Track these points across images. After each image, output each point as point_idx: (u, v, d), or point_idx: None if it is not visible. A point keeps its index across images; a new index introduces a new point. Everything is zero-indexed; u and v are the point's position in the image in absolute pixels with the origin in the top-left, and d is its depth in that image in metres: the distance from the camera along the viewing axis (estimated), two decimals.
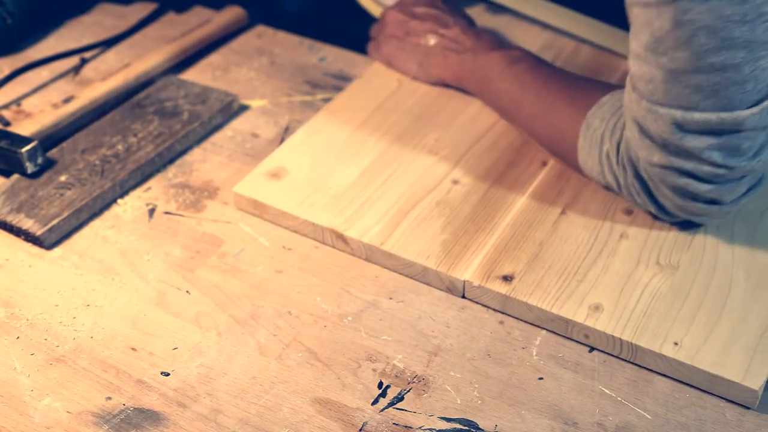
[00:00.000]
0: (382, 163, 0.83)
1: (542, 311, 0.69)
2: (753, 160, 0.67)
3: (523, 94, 0.82)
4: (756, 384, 0.63)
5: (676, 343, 0.66)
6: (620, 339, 0.67)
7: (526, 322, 0.71)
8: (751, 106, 0.64)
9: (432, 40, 0.91)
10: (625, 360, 0.68)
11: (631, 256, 0.73)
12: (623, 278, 0.71)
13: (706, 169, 0.67)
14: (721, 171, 0.67)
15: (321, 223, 0.77)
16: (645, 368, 0.67)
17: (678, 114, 0.65)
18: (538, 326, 0.70)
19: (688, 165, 0.67)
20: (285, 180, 0.82)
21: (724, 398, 0.65)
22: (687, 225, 0.75)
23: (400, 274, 0.75)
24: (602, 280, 0.71)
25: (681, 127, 0.66)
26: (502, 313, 0.72)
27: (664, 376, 0.67)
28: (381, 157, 0.84)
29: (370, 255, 0.76)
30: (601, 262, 0.73)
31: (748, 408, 0.64)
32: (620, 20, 0.98)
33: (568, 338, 0.70)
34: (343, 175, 0.82)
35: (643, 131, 0.68)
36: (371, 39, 0.98)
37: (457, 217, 0.77)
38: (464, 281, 0.72)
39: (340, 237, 0.77)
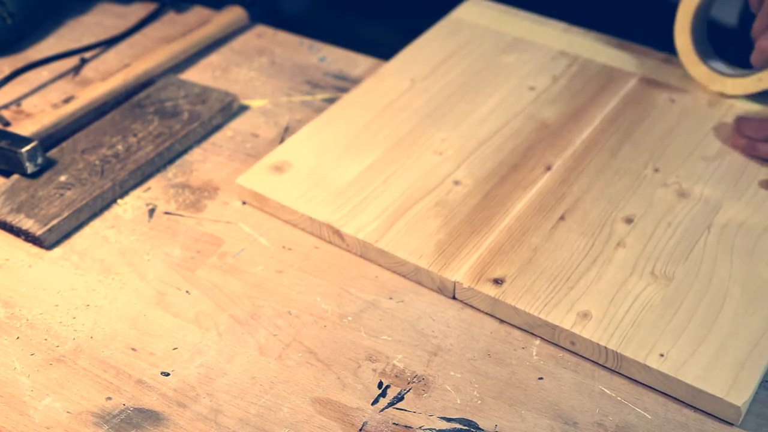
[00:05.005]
0: (386, 161, 0.83)
1: (530, 316, 0.69)
2: None
3: None
4: (739, 400, 0.62)
5: (661, 355, 0.65)
6: (605, 348, 0.66)
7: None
8: None
9: None
10: (611, 369, 0.67)
11: (626, 265, 0.72)
12: (615, 287, 0.71)
13: None
14: None
15: (318, 218, 0.77)
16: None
17: None
18: (527, 331, 0.70)
19: None
20: (287, 174, 0.82)
21: (708, 413, 0.64)
22: (689, 236, 0.75)
23: (394, 272, 0.75)
24: (594, 288, 0.71)
25: None
26: (492, 316, 0.72)
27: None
28: (385, 155, 0.84)
29: (365, 252, 0.76)
30: (595, 269, 0.72)
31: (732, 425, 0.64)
32: (629, 31, 0.98)
33: None
34: (346, 171, 0.82)
35: None
36: (747, 138, 0.84)
37: (455, 218, 0.77)
38: (455, 282, 0.72)
39: (336, 232, 0.77)
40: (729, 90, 0.90)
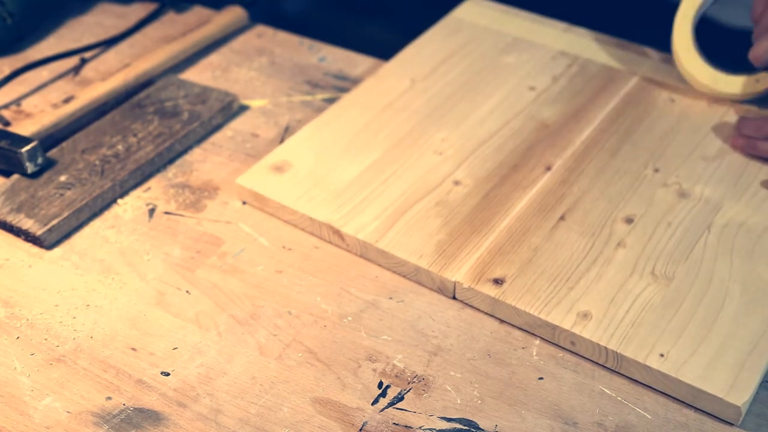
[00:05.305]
0: (386, 161, 0.83)
1: (530, 316, 0.69)
2: None
3: None
4: (739, 400, 0.62)
5: (662, 355, 0.65)
6: (606, 348, 0.66)
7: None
8: None
9: None
10: (611, 369, 0.67)
11: (626, 266, 0.72)
12: (615, 287, 0.71)
13: None
14: None
15: (318, 218, 0.77)
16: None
17: None
18: (527, 331, 0.70)
19: None
20: (288, 174, 0.82)
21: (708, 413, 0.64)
22: (689, 236, 0.75)
23: (394, 272, 0.75)
24: (594, 288, 0.71)
25: None
26: (492, 316, 0.72)
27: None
28: (386, 155, 0.84)
29: (365, 252, 0.76)
30: (595, 269, 0.72)
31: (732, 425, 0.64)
32: (628, 31, 0.98)
33: None
34: (346, 171, 0.82)
35: None
36: (746, 137, 0.83)
37: (455, 218, 0.77)
38: (455, 282, 0.72)
39: (336, 233, 0.77)
40: (720, 87, 0.89)
